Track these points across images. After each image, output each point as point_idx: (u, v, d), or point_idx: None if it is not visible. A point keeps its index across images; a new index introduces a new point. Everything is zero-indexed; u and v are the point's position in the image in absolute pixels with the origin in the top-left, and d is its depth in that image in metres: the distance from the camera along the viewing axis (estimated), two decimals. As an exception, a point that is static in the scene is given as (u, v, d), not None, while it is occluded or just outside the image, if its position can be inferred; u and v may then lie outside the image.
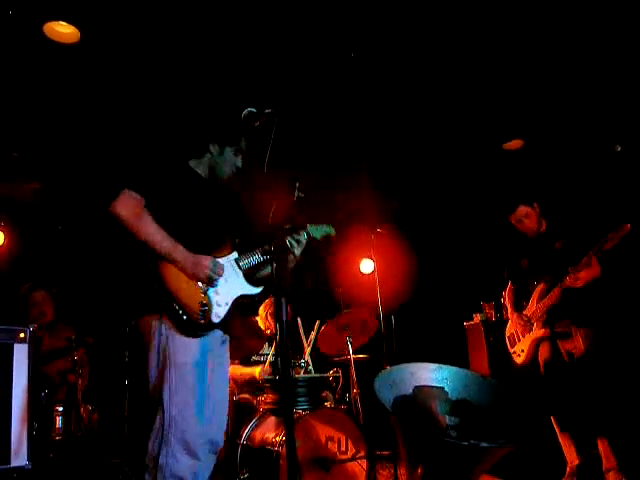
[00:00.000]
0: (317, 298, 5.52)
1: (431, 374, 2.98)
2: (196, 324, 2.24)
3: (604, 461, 3.33)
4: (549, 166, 5.22)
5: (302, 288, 5.65)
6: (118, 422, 4.03)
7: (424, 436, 2.62)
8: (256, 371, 4.28)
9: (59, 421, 3.51)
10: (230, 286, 2.41)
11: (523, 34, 3.82)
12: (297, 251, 2.58)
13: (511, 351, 3.81)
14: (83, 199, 5.08)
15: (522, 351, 3.68)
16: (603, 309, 3.54)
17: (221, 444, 2.39)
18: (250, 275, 2.52)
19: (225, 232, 2.52)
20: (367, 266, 6.04)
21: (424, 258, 5.94)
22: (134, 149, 4.52)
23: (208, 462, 2.27)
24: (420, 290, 5.90)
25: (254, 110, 2.13)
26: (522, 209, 3.73)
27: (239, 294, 2.44)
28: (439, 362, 3.03)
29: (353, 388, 4.13)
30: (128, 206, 2.26)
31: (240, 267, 2.47)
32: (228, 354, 2.55)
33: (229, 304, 2.37)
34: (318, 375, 3.97)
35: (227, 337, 2.50)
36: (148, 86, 4.09)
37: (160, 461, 2.12)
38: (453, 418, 2.87)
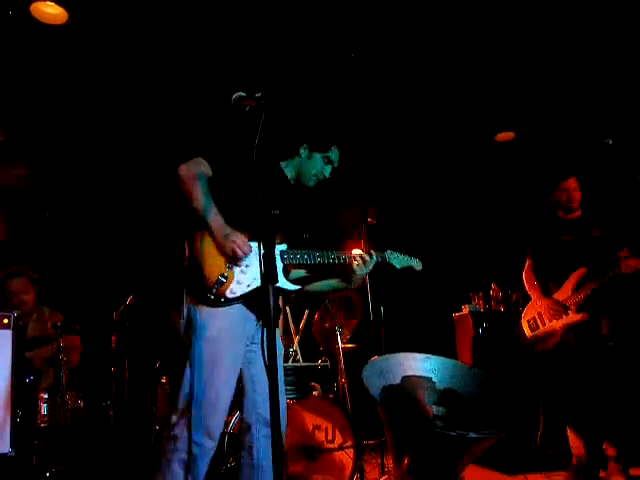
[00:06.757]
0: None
1: (419, 364, 2.99)
2: (209, 294, 2.23)
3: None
4: (541, 158, 5.22)
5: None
6: (104, 409, 4.01)
7: (411, 426, 2.63)
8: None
9: (44, 408, 3.47)
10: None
11: (515, 28, 3.81)
12: (360, 270, 2.56)
13: (530, 335, 3.66)
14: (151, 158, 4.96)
15: (550, 336, 3.54)
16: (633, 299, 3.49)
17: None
18: (289, 271, 2.51)
19: (282, 224, 2.47)
20: (357, 256, 6.02)
21: (413, 248, 5.93)
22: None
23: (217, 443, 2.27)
24: (409, 280, 5.89)
25: (244, 94, 2.07)
26: (575, 181, 3.64)
27: None
28: (427, 352, 3.04)
29: (341, 377, 4.13)
30: (192, 169, 2.32)
31: (283, 259, 2.44)
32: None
33: (251, 287, 2.33)
34: (306, 364, 3.96)
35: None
36: (138, 70, 4.03)
37: (176, 432, 2.14)
38: (440, 408, 2.88)
